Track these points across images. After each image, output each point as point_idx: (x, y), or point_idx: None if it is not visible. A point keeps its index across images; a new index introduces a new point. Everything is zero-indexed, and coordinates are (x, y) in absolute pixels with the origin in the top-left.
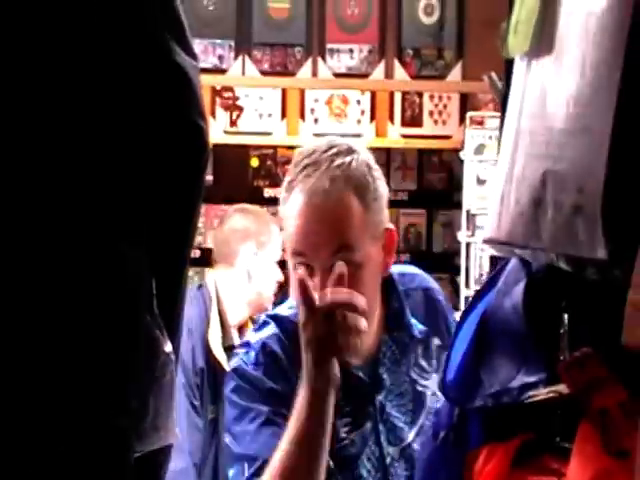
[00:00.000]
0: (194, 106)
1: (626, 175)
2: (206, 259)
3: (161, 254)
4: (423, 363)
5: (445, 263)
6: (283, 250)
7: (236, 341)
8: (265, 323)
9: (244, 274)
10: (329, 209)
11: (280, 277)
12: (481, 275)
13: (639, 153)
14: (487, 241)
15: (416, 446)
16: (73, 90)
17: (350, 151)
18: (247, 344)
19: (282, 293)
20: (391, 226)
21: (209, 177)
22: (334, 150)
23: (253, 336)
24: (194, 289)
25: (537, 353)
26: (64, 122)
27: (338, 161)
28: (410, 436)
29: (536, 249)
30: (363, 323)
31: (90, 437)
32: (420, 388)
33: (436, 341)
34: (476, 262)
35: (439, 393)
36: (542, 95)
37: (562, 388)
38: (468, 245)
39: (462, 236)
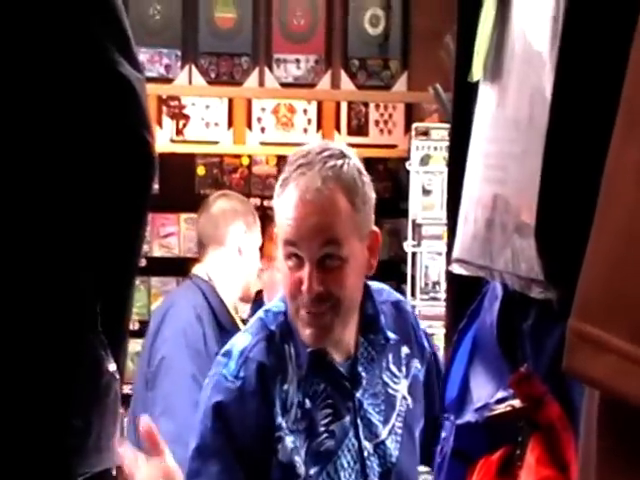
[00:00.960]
0: (140, 119)
1: (559, 198)
2: (152, 268)
3: (107, 268)
4: (394, 368)
5: (391, 271)
6: (272, 242)
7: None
8: (251, 327)
9: (235, 251)
10: (320, 205)
11: (260, 265)
12: (426, 284)
13: (570, 176)
14: (455, 261)
15: (389, 444)
16: (16, 105)
17: (342, 155)
18: (229, 353)
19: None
20: (376, 229)
21: (155, 186)
22: (327, 153)
23: (237, 341)
24: (185, 282)
25: (508, 369)
26: (6, 137)
27: (330, 163)
28: (384, 433)
29: (491, 269)
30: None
31: (33, 457)
32: (391, 391)
33: (405, 349)
34: (422, 271)
35: (409, 398)
36: (495, 119)
37: (516, 402)
38: (414, 254)
39: (408, 245)
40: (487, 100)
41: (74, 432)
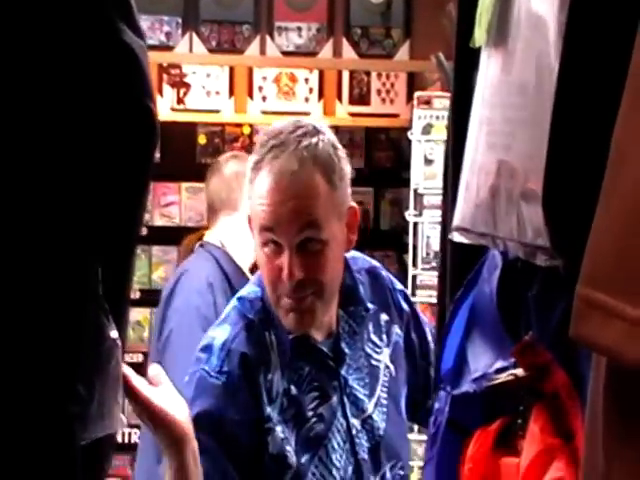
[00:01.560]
0: (143, 87)
1: (566, 165)
2: (153, 237)
3: (108, 236)
4: (375, 338)
5: (392, 241)
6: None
7: None
8: (227, 317)
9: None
10: (297, 189)
11: None
12: (428, 254)
13: (578, 144)
14: (456, 229)
15: (375, 417)
16: (16, 69)
17: (316, 132)
18: (209, 347)
19: None
20: (354, 204)
21: (156, 155)
22: (300, 131)
23: (216, 334)
24: (197, 250)
25: (508, 338)
26: (5, 103)
27: (305, 142)
28: (370, 407)
29: (495, 237)
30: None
31: (38, 423)
32: (374, 362)
33: (384, 316)
34: (423, 241)
35: (391, 366)
36: (499, 85)
37: (519, 371)
38: (415, 224)
39: (409, 215)
40: (490, 66)
41: (77, 399)
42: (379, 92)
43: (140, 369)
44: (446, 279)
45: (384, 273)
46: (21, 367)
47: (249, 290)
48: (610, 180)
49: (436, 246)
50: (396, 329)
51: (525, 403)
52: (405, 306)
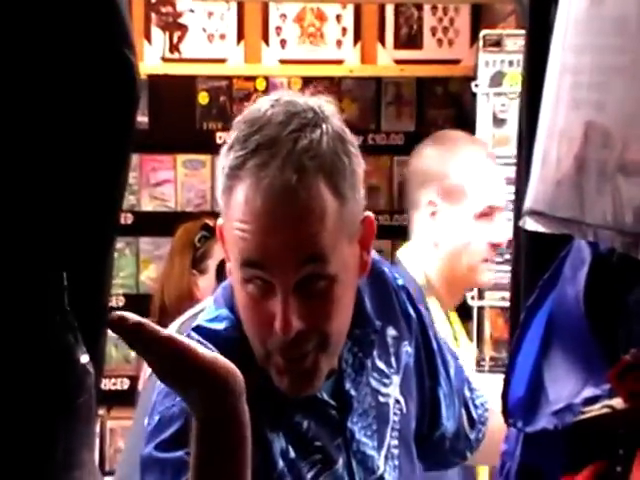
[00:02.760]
0: (120, 34)
1: None
2: (141, 226)
3: (76, 226)
4: (382, 365)
5: None
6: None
7: None
8: None
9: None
10: (296, 212)
11: None
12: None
13: None
14: (529, 213)
15: (387, 476)
16: None
17: (317, 121)
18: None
19: None
20: (369, 213)
21: (143, 119)
22: (296, 122)
23: None
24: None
25: (600, 357)
26: None
27: (304, 141)
28: (381, 464)
29: (581, 223)
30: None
31: None
32: (382, 399)
33: (391, 331)
34: None
35: (402, 400)
36: (587, 21)
37: (617, 402)
38: None
39: None
40: None
41: (33, 449)
42: (434, 31)
43: (128, 398)
44: (520, 277)
45: (386, 268)
46: None
47: (210, 314)
48: None
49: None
50: (406, 347)
51: (626, 445)
52: (411, 310)
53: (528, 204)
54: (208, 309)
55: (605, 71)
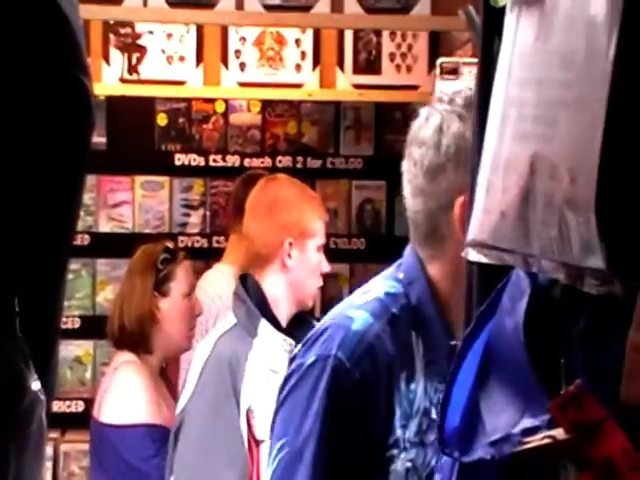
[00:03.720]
0: (74, 59)
1: (630, 161)
2: (99, 247)
3: (30, 246)
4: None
5: None
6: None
7: None
8: (368, 306)
9: None
10: None
11: None
12: None
13: None
14: (471, 244)
15: None
16: None
17: None
18: (345, 330)
19: None
20: None
21: (101, 139)
22: None
23: (356, 316)
24: None
25: (540, 388)
26: None
27: None
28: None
29: (526, 255)
30: None
31: None
32: None
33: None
34: None
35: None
36: (533, 56)
37: (558, 433)
38: None
39: None
40: (520, 30)
41: None
42: (392, 57)
43: (81, 421)
44: (472, 308)
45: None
46: None
47: (389, 285)
48: None
49: None
50: None
51: (566, 475)
52: None
53: (470, 235)
54: (383, 282)
55: (551, 105)
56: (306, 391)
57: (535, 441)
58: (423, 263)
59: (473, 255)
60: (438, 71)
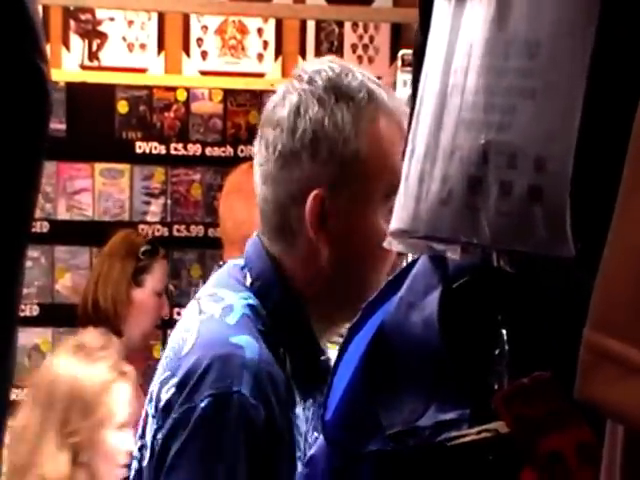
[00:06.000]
0: (30, 42)
1: (602, 146)
2: (57, 234)
3: None
4: None
5: None
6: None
7: None
8: (241, 325)
9: None
10: None
11: None
12: None
13: (620, 115)
14: (394, 234)
15: None
16: None
17: None
18: (239, 363)
19: None
20: None
21: (61, 126)
22: None
23: (242, 343)
24: None
25: (456, 382)
26: None
27: None
28: None
29: (470, 244)
30: None
31: None
32: None
33: None
34: None
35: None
36: (489, 42)
37: (499, 426)
38: None
39: None
40: (466, 18)
41: None
42: (354, 48)
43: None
44: None
45: None
46: None
47: (243, 295)
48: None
49: None
50: None
51: (495, 472)
52: None
53: (395, 225)
54: (235, 294)
55: (510, 93)
56: (211, 441)
57: (470, 435)
58: (275, 261)
59: (395, 245)
60: (400, 63)
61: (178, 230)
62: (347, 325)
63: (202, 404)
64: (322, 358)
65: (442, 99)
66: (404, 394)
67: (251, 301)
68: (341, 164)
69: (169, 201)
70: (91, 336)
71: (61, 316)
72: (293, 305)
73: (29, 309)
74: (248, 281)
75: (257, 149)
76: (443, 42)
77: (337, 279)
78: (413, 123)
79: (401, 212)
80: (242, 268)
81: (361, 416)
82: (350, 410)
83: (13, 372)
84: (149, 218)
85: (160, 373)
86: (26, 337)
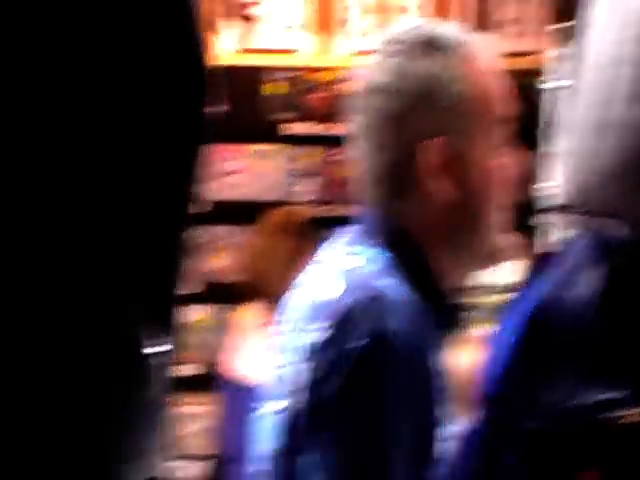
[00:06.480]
0: (190, 25)
1: None
2: (216, 214)
3: (146, 217)
4: None
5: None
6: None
7: None
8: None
9: None
10: None
11: None
12: None
13: None
14: (565, 209)
15: None
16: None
17: None
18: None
19: None
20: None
21: (219, 108)
22: None
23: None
24: None
25: (616, 361)
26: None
27: None
28: None
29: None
30: None
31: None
32: None
33: None
34: None
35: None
36: None
37: None
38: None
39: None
40: None
41: (97, 442)
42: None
43: (200, 383)
44: None
45: None
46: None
47: (374, 251)
48: None
49: None
50: None
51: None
52: None
53: (560, 200)
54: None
55: None
56: (374, 379)
57: (636, 415)
58: (397, 220)
59: (558, 221)
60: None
61: (332, 210)
62: (474, 271)
63: (362, 343)
64: (453, 303)
65: (612, 70)
66: (562, 373)
67: (385, 254)
68: (449, 109)
69: (323, 181)
70: (252, 312)
71: (219, 294)
72: (421, 255)
73: (195, 287)
74: (373, 240)
75: (360, 119)
76: (611, 15)
77: (462, 223)
78: (572, 96)
79: (567, 187)
80: (362, 231)
81: (520, 393)
82: (509, 388)
83: (177, 348)
84: (303, 198)
85: (299, 322)
86: (190, 314)
